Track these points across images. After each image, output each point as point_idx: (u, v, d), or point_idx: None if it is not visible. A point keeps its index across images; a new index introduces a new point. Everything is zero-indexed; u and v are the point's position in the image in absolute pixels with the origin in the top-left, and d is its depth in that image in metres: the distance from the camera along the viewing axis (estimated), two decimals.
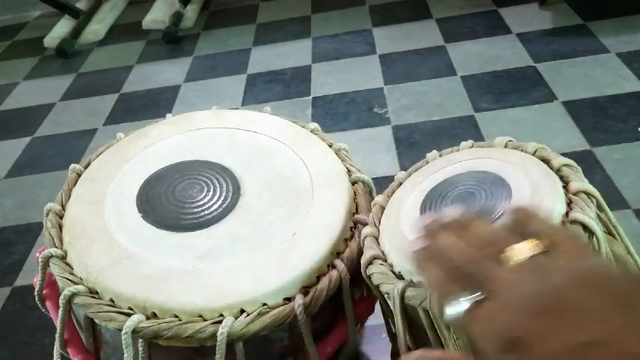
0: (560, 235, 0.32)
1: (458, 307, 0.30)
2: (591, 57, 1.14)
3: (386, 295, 0.42)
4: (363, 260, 0.45)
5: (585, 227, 0.37)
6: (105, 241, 0.50)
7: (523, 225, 0.33)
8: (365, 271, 0.45)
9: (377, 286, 0.43)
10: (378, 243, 0.47)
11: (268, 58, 1.37)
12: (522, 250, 0.31)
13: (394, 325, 0.43)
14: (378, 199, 0.51)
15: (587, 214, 0.38)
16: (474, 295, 0.30)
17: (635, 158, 0.87)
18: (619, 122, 0.95)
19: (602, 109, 0.98)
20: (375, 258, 0.45)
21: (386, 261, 0.45)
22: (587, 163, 0.87)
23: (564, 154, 0.46)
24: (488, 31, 1.30)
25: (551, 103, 1.03)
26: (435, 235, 0.35)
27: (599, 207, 0.41)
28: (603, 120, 0.96)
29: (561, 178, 0.43)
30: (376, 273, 0.44)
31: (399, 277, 0.43)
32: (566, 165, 0.44)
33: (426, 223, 0.36)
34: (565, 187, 0.42)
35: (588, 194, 0.41)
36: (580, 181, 0.42)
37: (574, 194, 0.41)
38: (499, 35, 1.28)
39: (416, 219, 0.45)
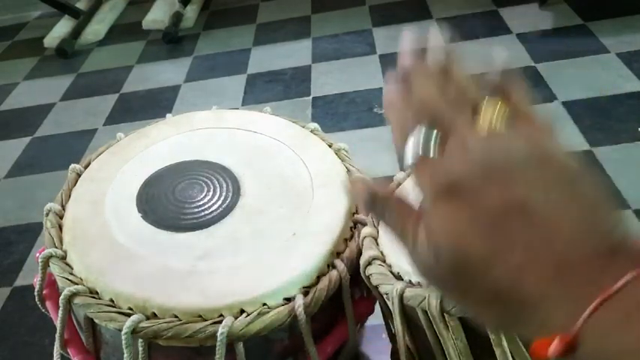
0: (534, 114, 0.33)
1: (414, 142, 0.30)
2: (591, 57, 1.14)
3: (385, 296, 0.42)
4: (362, 261, 0.45)
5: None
6: (105, 241, 0.50)
7: (508, 89, 0.33)
8: (364, 272, 0.45)
9: (376, 287, 0.43)
10: (377, 243, 0.47)
11: (268, 58, 1.37)
12: (497, 106, 0.31)
13: (393, 325, 0.43)
14: None
15: None
16: (433, 131, 0.30)
17: (635, 158, 0.87)
18: (619, 122, 0.95)
19: (602, 109, 0.98)
20: (374, 259, 0.45)
21: (385, 261, 0.45)
22: (587, 163, 0.87)
23: None
24: (488, 31, 1.30)
25: (551, 103, 1.03)
26: (414, 78, 0.34)
27: None
28: (603, 120, 0.96)
29: None
30: (375, 274, 0.44)
31: (398, 277, 0.43)
32: None
33: (406, 62, 0.36)
34: None
35: None
36: None
37: None
38: (499, 35, 1.28)
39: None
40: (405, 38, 0.37)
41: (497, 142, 0.29)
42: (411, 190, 0.49)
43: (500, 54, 0.36)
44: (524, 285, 0.25)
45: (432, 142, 0.30)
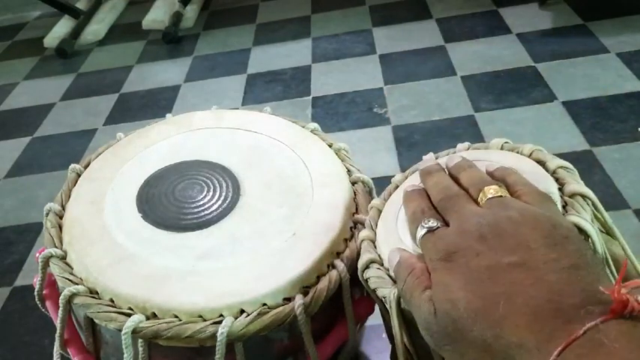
0: (529, 187, 0.38)
1: (421, 230, 0.37)
2: (591, 57, 1.14)
3: (383, 299, 0.42)
4: (360, 264, 0.45)
5: (581, 230, 0.37)
6: (105, 241, 0.50)
7: (504, 180, 0.39)
8: (362, 275, 0.45)
9: (374, 290, 0.43)
10: (375, 246, 0.47)
11: (268, 58, 1.37)
12: (491, 190, 0.36)
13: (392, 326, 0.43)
14: (375, 202, 0.51)
15: (582, 217, 0.38)
16: (435, 224, 0.37)
17: (635, 158, 0.87)
18: (619, 122, 0.95)
19: (602, 109, 0.99)
20: (371, 262, 0.45)
21: (383, 265, 0.45)
22: (587, 163, 0.87)
23: (564, 154, 0.46)
24: (488, 31, 1.30)
25: (551, 103, 1.03)
26: (433, 173, 0.43)
27: (595, 208, 0.41)
28: (603, 120, 0.96)
29: (557, 180, 0.43)
30: (373, 277, 0.43)
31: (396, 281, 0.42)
32: (561, 167, 0.44)
33: (427, 162, 0.45)
34: (560, 190, 0.42)
35: (584, 197, 0.41)
36: (576, 184, 0.42)
37: (569, 197, 0.41)
38: (499, 35, 1.28)
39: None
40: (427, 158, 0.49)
41: (489, 215, 0.34)
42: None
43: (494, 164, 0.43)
44: (505, 334, 0.28)
45: (435, 226, 0.37)
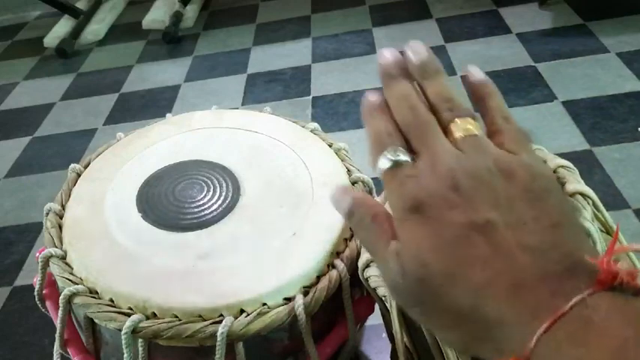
0: (509, 124, 0.33)
1: (385, 162, 0.31)
2: (591, 57, 1.14)
3: (383, 298, 0.42)
4: (360, 263, 0.45)
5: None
6: (105, 241, 0.50)
7: (482, 100, 0.34)
8: (362, 274, 0.45)
9: (374, 289, 0.43)
10: None
11: (268, 58, 1.37)
12: (467, 126, 0.31)
13: (392, 326, 0.43)
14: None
15: (583, 216, 0.38)
16: (402, 157, 0.31)
17: (635, 158, 0.87)
18: (619, 122, 0.95)
19: (602, 109, 0.99)
20: (372, 261, 0.45)
21: None
22: (587, 162, 0.87)
23: (564, 154, 0.46)
24: (488, 31, 1.30)
25: (551, 103, 1.03)
26: (395, 81, 0.35)
27: (595, 207, 0.41)
28: (603, 120, 0.96)
29: (558, 179, 0.43)
30: (373, 276, 0.43)
31: None
32: (562, 166, 0.44)
33: (388, 61, 0.35)
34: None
35: (585, 196, 0.41)
36: (576, 183, 0.42)
37: (570, 195, 0.41)
38: (499, 35, 1.28)
39: None
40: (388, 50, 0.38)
41: (463, 160, 0.29)
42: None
43: (475, 70, 0.37)
44: (482, 306, 0.25)
45: (405, 159, 0.31)
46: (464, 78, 0.36)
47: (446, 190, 0.28)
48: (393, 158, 0.31)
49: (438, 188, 0.28)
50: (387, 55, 0.36)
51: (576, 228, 0.28)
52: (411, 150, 0.31)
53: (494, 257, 0.26)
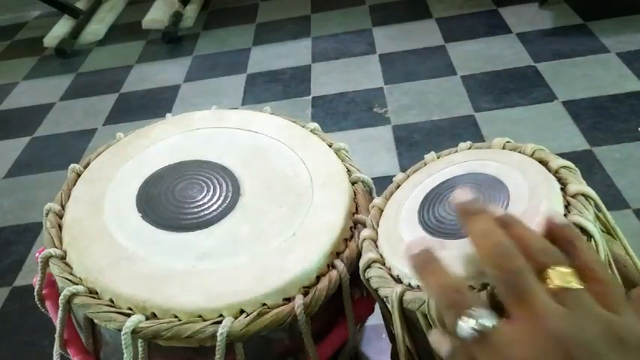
0: (605, 273, 0.29)
1: (466, 329, 0.26)
2: (591, 57, 1.13)
3: (384, 299, 0.42)
4: (362, 264, 0.45)
5: (583, 230, 0.36)
6: (105, 241, 0.50)
7: (571, 242, 0.30)
8: (363, 275, 0.45)
9: (375, 290, 0.43)
10: (377, 246, 0.47)
11: (268, 57, 1.37)
12: (566, 276, 0.27)
13: (393, 326, 0.43)
14: (376, 201, 0.51)
15: (585, 217, 0.38)
16: (488, 322, 0.25)
17: (635, 158, 0.87)
18: (619, 122, 0.95)
19: (603, 109, 0.98)
20: (373, 261, 0.45)
21: (384, 264, 0.44)
22: (587, 162, 0.87)
23: (564, 154, 0.46)
24: (488, 30, 1.30)
25: (551, 102, 1.03)
26: (477, 217, 0.30)
27: (597, 208, 0.41)
28: (603, 120, 0.96)
29: (559, 180, 0.43)
30: (374, 277, 0.43)
31: (398, 280, 0.42)
32: (564, 167, 0.44)
33: (465, 198, 0.31)
34: (563, 189, 0.42)
35: (586, 196, 0.40)
36: (578, 183, 0.41)
37: (572, 196, 0.41)
38: (499, 35, 1.28)
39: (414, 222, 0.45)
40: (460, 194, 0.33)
41: (573, 325, 0.25)
42: (408, 193, 0.49)
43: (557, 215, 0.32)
44: None
45: (492, 323, 0.26)
46: (545, 224, 0.32)
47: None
48: (477, 328, 0.26)
49: (549, 357, 0.24)
50: (462, 193, 0.32)
51: None
52: (492, 303, 0.27)
53: None
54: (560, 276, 0.27)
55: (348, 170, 0.57)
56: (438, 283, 0.29)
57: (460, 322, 0.26)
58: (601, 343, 0.24)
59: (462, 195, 0.32)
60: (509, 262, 0.27)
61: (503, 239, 0.28)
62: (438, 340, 0.30)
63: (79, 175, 0.59)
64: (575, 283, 0.27)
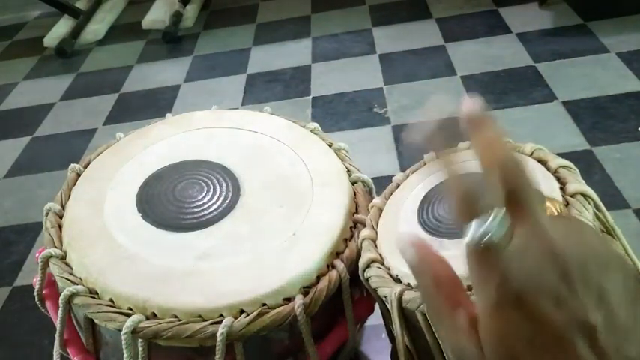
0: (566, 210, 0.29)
1: (476, 233, 0.25)
2: (591, 57, 1.13)
3: (384, 298, 0.42)
4: (361, 263, 0.45)
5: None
6: (105, 241, 0.50)
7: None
8: (363, 274, 0.45)
9: (375, 290, 0.43)
10: (376, 245, 0.47)
11: (268, 58, 1.37)
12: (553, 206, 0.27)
13: (393, 326, 0.43)
14: (376, 201, 0.51)
15: (584, 217, 0.38)
16: (502, 227, 0.25)
17: (635, 158, 0.87)
18: (619, 122, 0.95)
19: (602, 109, 0.98)
20: (372, 261, 0.45)
21: (383, 264, 0.45)
22: (587, 162, 0.87)
23: (564, 154, 0.46)
24: (488, 31, 1.30)
25: (551, 102, 1.03)
26: (481, 128, 0.28)
27: (596, 208, 0.41)
28: (603, 120, 0.96)
29: (558, 179, 0.43)
30: (374, 276, 0.44)
31: (397, 280, 0.42)
32: (563, 167, 0.44)
33: (475, 107, 0.29)
34: (562, 189, 0.42)
35: (585, 196, 0.41)
36: (577, 183, 0.42)
37: (571, 196, 0.41)
38: (499, 35, 1.28)
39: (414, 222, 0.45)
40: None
41: (571, 242, 0.25)
42: (408, 193, 0.49)
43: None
44: None
45: (504, 230, 0.25)
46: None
47: (557, 281, 0.24)
48: (489, 227, 0.25)
49: (549, 278, 0.24)
50: (470, 102, 0.30)
51: None
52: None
53: None
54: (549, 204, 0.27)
55: (348, 170, 0.57)
56: (462, 182, 0.28)
57: (475, 225, 0.25)
58: (592, 259, 0.25)
59: (470, 104, 0.30)
60: (517, 172, 0.26)
61: (512, 153, 0.27)
62: (405, 244, 0.29)
63: (79, 175, 0.59)
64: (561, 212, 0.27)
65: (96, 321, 0.46)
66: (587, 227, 0.26)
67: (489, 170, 0.27)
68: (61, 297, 0.47)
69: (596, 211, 0.41)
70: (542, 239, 0.25)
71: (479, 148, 0.28)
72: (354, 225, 0.52)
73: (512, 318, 0.24)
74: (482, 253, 0.25)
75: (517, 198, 0.25)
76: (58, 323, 0.50)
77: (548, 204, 0.28)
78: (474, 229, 0.25)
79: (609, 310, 0.24)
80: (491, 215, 0.25)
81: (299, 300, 0.45)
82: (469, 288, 0.28)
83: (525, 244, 0.25)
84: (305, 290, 0.46)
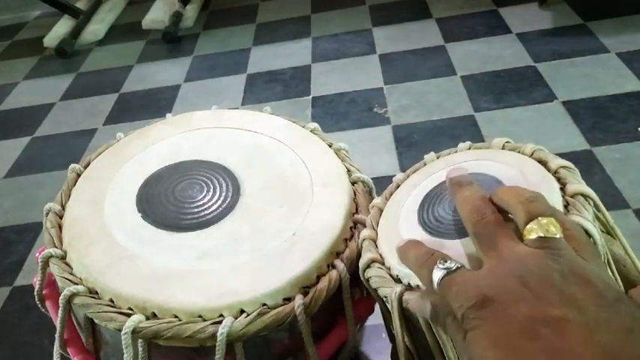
0: (579, 233, 0.33)
1: (439, 273, 0.32)
2: (591, 57, 1.13)
3: (384, 299, 0.42)
4: (361, 263, 0.45)
5: (583, 230, 0.36)
6: (105, 241, 0.50)
7: (536, 202, 0.34)
8: (363, 275, 0.45)
9: (375, 290, 0.43)
10: (376, 246, 0.47)
11: (268, 58, 1.37)
12: (550, 227, 0.31)
13: (393, 326, 0.43)
14: (376, 201, 0.51)
15: (584, 217, 0.38)
16: (454, 264, 0.32)
17: (635, 158, 0.87)
18: (619, 122, 0.95)
19: (602, 109, 0.98)
20: (372, 261, 0.45)
21: (384, 264, 0.45)
22: (587, 163, 0.87)
23: (564, 154, 0.46)
24: (488, 31, 1.30)
25: (551, 102, 1.03)
26: (463, 187, 0.38)
27: (596, 208, 0.41)
28: (603, 120, 0.96)
29: (558, 179, 0.43)
30: (374, 276, 0.43)
31: (397, 280, 0.42)
32: (563, 167, 0.44)
33: (457, 174, 0.40)
34: (562, 189, 0.42)
35: (586, 196, 0.40)
36: (577, 183, 0.42)
37: (571, 196, 0.41)
38: (499, 35, 1.28)
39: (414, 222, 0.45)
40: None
41: (535, 261, 0.29)
42: (408, 193, 0.49)
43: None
44: None
45: (457, 265, 0.32)
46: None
47: (514, 285, 0.28)
48: (444, 266, 0.32)
49: (506, 283, 0.28)
50: (454, 170, 0.41)
51: None
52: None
53: (559, 352, 0.25)
54: (544, 227, 0.31)
55: (348, 170, 0.58)
56: (414, 255, 0.36)
57: (435, 270, 0.32)
58: (559, 275, 0.28)
59: (453, 172, 0.41)
60: (482, 217, 0.34)
61: (480, 202, 0.35)
62: (418, 304, 0.36)
63: (79, 175, 0.59)
64: (557, 233, 0.31)
65: (96, 321, 0.46)
66: (567, 252, 0.30)
67: (464, 221, 0.35)
68: (61, 297, 0.47)
69: (596, 212, 0.41)
70: (502, 261, 0.30)
71: (458, 206, 0.37)
72: (354, 225, 0.52)
73: (478, 323, 0.28)
74: (449, 285, 0.31)
75: (482, 239, 0.33)
76: (58, 323, 0.50)
77: (535, 225, 0.32)
78: (436, 274, 0.33)
79: (578, 309, 0.27)
80: (441, 261, 0.33)
81: (299, 300, 0.45)
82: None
83: (486, 266, 0.31)
84: (305, 290, 0.46)
